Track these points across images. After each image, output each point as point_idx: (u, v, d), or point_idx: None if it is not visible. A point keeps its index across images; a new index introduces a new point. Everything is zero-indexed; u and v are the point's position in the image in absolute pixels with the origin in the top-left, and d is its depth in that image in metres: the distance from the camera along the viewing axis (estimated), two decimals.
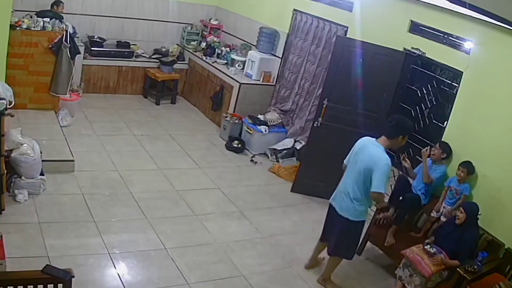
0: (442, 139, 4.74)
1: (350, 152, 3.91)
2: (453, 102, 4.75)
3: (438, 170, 4.57)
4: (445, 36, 4.82)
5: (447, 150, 4.56)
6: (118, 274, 3.77)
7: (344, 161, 3.98)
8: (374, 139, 3.77)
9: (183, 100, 8.20)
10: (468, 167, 4.32)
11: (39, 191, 4.55)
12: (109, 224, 4.37)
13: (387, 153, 3.67)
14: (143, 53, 7.89)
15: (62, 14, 6.49)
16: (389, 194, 4.78)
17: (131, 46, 7.76)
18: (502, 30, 4.17)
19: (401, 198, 4.64)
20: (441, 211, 4.46)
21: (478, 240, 4.09)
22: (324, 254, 4.30)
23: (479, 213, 3.98)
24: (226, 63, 7.57)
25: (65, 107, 6.28)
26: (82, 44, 7.07)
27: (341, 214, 3.85)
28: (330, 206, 4.01)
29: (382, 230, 4.57)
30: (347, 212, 3.81)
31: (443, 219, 4.41)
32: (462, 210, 3.94)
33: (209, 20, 8.31)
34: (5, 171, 4.18)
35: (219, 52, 7.83)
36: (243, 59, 7.29)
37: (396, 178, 5.11)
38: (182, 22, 8.28)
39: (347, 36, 5.79)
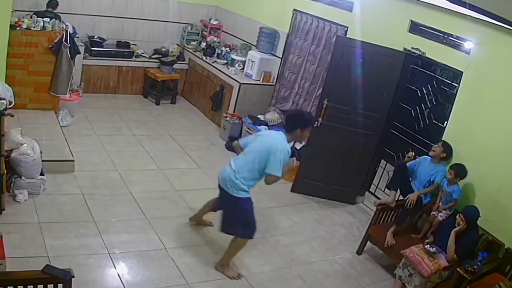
0: (442, 139, 4.74)
1: (251, 137, 4.03)
2: (453, 102, 4.75)
3: (440, 172, 4.53)
4: (445, 36, 4.82)
5: (447, 151, 4.56)
6: (118, 274, 3.77)
7: (240, 140, 4.08)
8: (280, 131, 3.86)
9: (183, 100, 8.21)
10: (456, 170, 4.29)
11: (39, 191, 4.55)
12: (109, 224, 4.37)
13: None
14: (143, 53, 7.89)
15: (59, 14, 6.48)
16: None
17: (131, 46, 7.75)
18: (502, 30, 4.17)
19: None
20: (438, 209, 4.46)
21: (478, 241, 4.09)
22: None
23: (479, 216, 3.98)
24: (226, 63, 7.57)
25: (65, 107, 6.28)
26: (82, 44, 7.07)
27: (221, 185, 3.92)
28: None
29: (382, 230, 4.58)
30: (227, 185, 3.85)
31: (439, 216, 4.40)
32: (463, 218, 3.92)
33: (209, 20, 8.31)
34: (5, 171, 4.18)
35: (219, 52, 7.83)
36: (243, 59, 7.29)
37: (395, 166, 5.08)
38: (182, 22, 8.28)
39: (347, 36, 5.79)
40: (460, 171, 4.30)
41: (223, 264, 4.09)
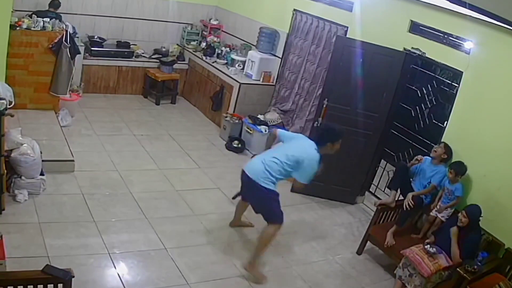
0: (442, 139, 4.74)
1: (289, 135, 4.22)
2: (453, 102, 4.74)
3: (439, 173, 4.54)
4: (445, 36, 4.82)
5: (448, 152, 4.56)
6: (118, 274, 3.77)
7: (279, 132, 4.25)
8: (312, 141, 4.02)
9: (183, 100, 8.21)
10: (455, 168, 4.31)
11: (39, 191, 4.55)
12: (109, 224, 4.37)
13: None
14: (143, 53, 7.89)
15: (60, 14, 6.49)
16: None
17: (131, 46, 7.75)
18: (502, 30, 4.16)
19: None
20: (437, 209, 4.46)
21: (479, 242, 4.09)
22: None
23: (481, 216, 3.99)
24: (226, 63, 7.57)
25: (65, 107, 6.28)
26: (82, 44, 7.07)
27: (249, 175, 3.98)
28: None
29: (382, 230, 4.58)
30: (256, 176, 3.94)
31: (440, 216, 4.40)
32: (465, 214, 3.93)
33: (209, 20, 8.31)
34: (5, 171, 4.18)
35: (219, 52, 7.83)
36: (243, 59, 7.29)
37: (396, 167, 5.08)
38: (182, 22, 8.28)
39: (347, 36, 5.79)
40: (459, 168, 4.31)
41: (251, 262, 4.12)
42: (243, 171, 4.06)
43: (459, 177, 4.32)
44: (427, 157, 4.70)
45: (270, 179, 3.91)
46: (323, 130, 4.15)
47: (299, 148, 3.94)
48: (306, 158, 3.86)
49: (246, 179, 4.02)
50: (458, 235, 3.98)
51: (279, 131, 4.31)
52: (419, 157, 4.76)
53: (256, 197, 4.07)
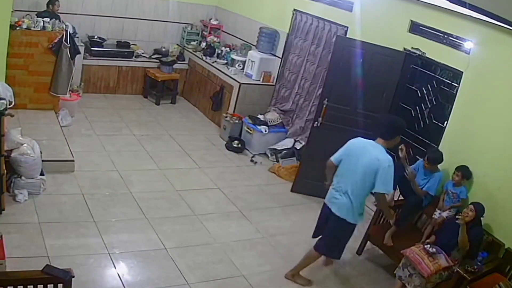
0: (442, 139, 4.74)
1: (342, 152, 3.83)
2: (453, 102, 4.75)
3: (435, 183, 4.49)
4: (445, 36, 4.82)
5: (467, 175, 4.40)
6: (118, 274, 3.77)
7: (332, 159, 3.87)
8: (371, 140, 3.74)
9: (183, 100, 8.20)
10: (463, 171, 4.31)
11: (39, 191, 4.55)
12: (109, 224, 4.37)
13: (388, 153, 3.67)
14: (143, 53, 7.89)
15: (58, 14, 6.48)
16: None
17: (131, 46, 7.76)
18: (502, 30, 4.16)
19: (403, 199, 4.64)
20: (442, 209, 4.46)
21: (483, 237, 4.09)
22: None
23: (484, 214, 3.99)
24: (226, 63, 7.57)
25: (65, 107, 6.29)
26: (82, 44, 7.08)
27: (336, 213, 3.79)
28: (325, 205, 3.98)
29: (382, 230, 4.57)
30: (344, 213, 3.76)
31: (442, 214, 4.39)
32: (473, 208, 3.94)
33: (209, 20, 8.31)
34: (5, 171, 4.18)
35: (219, 52, 7.83)
36: (243, 59, 7.29)
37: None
38: (182, 22, 8.28)
39: (347, 36, 5.79)
40: (466, 172, 4.32)
41: (294, 274, 4.14)
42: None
43: (465, 180, 4.32)
44: (420, 161, 4.68)
45: (360, 211, 3.79)
46: (392, 123, 3.77)
47: (369, 154, 3.60)
48: (381, 158, 3.54)
49: (328, 213, 3.91)
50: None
51: (334, 159, 3.87)
52: (401, 146, 4.58)
53: (336, 231, 3.94)
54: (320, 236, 4.02)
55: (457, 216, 3.99)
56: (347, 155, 3.77)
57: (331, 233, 3.91)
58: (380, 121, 3.86)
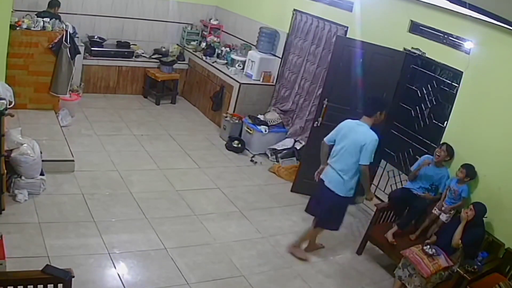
0: (442, 139, 4.73)
1: (335, 133, 4.22)
2: (453, 102, 4.74)
3: (444, 177, 4.55)
4: (445, 36, 4.82)
5: (451, 153, 4.55)
6: (118, 274, 3.77)
7: (325, 139, 4.28)
8: (357, 120, 4.15)
9: (183, 100, 8.20)
10: (467, 169, 4.30)
11: (39, 191, 4.55)
12: (109, 224, 4.37)
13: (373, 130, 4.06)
14: (143, 53, 7.89)
15: (58, 14, 6.48)
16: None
17: (131, 46, 7.76)
18: (502, 30, 4.16)
19: (407, 207, 4.69)
20: (442, 209, 4.45)
21: (483, 238, 4.09)
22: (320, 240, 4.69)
23: (485, 215, 3.99)
24: (226, 63, 7.57)
25: (65, 107, 6.29)
26: (82, 44, 7.08)
27: (330, 188, 4.16)
28: (321, 180, 4.28)
29: (382, 230, 4.57)
30: (337, 187, 4.14)
31: (442, 217, 4.40)
32: (472, 208, 3.95)
33: (209, 20, 8.31)
34: (5, 171, 4.18)
35: (219, 52, 7.83)
36: (243, 59, 7.29)
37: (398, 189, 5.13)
38: (182, 22, 8.28)
39: (347, 36, 5.79)
40: (471, 171, 4.31)
41: (295, 245, 4.50)
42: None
43: (468, 179, 4.32)
44: (429, 156, 4.68)
45: (351, 185, 4.18)
46: (372, 100, 4.22)
47: (358, 135, 4.03)
48: (366, 139, 3.98)
49: (323, 188, 4.27)
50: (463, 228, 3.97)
51: (327, 139, 4.29)
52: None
53: (331, 205, 4.30)
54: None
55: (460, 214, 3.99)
56: (337, 135, 4.20)
57: (326, 208, 4.25)
58: (366, 101, 4.30)
